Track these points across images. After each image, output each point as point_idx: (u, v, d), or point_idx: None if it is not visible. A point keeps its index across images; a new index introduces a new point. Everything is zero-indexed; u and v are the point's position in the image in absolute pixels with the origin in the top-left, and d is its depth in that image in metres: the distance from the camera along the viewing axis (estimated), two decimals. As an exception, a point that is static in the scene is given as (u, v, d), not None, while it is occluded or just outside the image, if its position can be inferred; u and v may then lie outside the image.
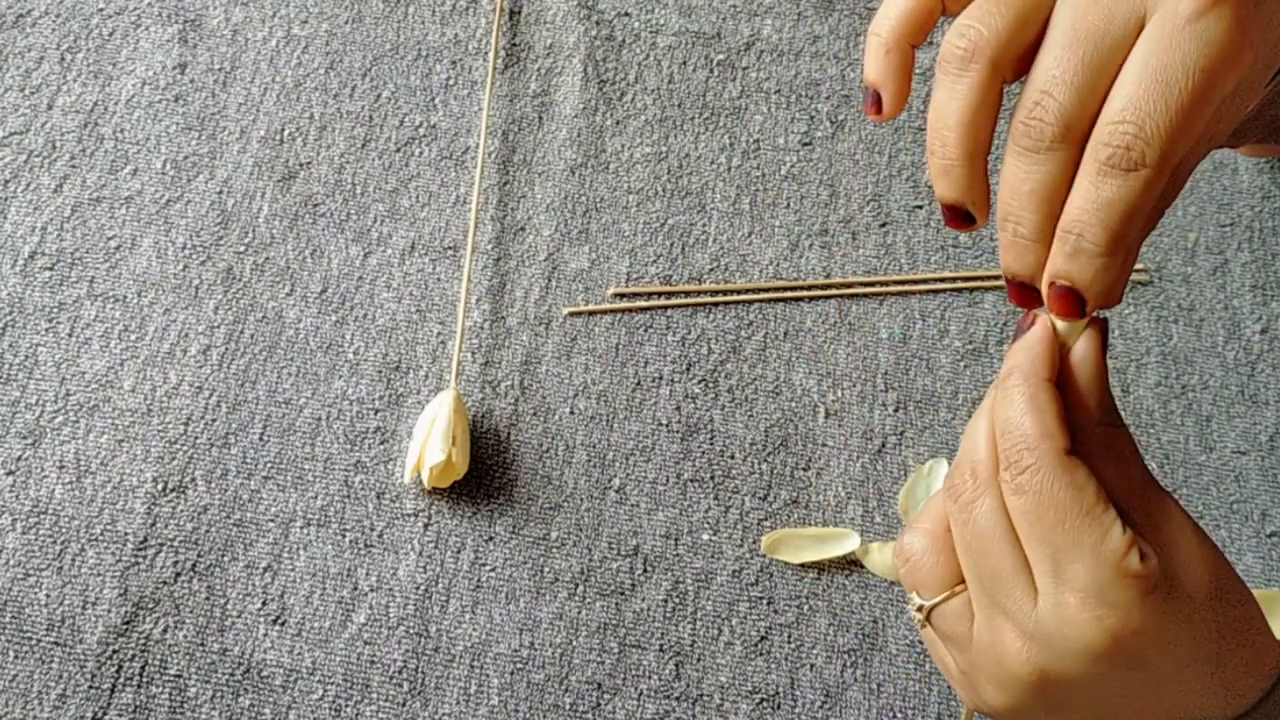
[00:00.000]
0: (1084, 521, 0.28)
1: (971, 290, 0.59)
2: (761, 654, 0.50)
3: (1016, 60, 0.29)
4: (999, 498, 0.30)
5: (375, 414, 0.55)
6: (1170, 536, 0.29)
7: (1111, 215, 0.27)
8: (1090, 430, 0.30)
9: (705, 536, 0.53)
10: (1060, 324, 0.30)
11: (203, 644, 0.50)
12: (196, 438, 0.54)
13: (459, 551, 0.52)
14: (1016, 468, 0.29)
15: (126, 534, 0.52)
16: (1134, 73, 0.27)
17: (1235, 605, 0.30)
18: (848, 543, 0.51)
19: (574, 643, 0.50)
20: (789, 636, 0.51)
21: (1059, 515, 0.28)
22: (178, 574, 0.51)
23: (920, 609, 0.33)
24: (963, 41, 0.29)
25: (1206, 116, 0.27)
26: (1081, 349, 0.30)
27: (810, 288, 0.59)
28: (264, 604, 0.51)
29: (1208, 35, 0.26)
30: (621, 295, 0.58)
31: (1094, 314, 0.29)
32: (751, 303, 0.58)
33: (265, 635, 0.50)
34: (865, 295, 0.59)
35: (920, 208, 0.61)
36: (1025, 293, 0.30)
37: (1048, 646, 0.29)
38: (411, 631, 0.51)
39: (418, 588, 0.51)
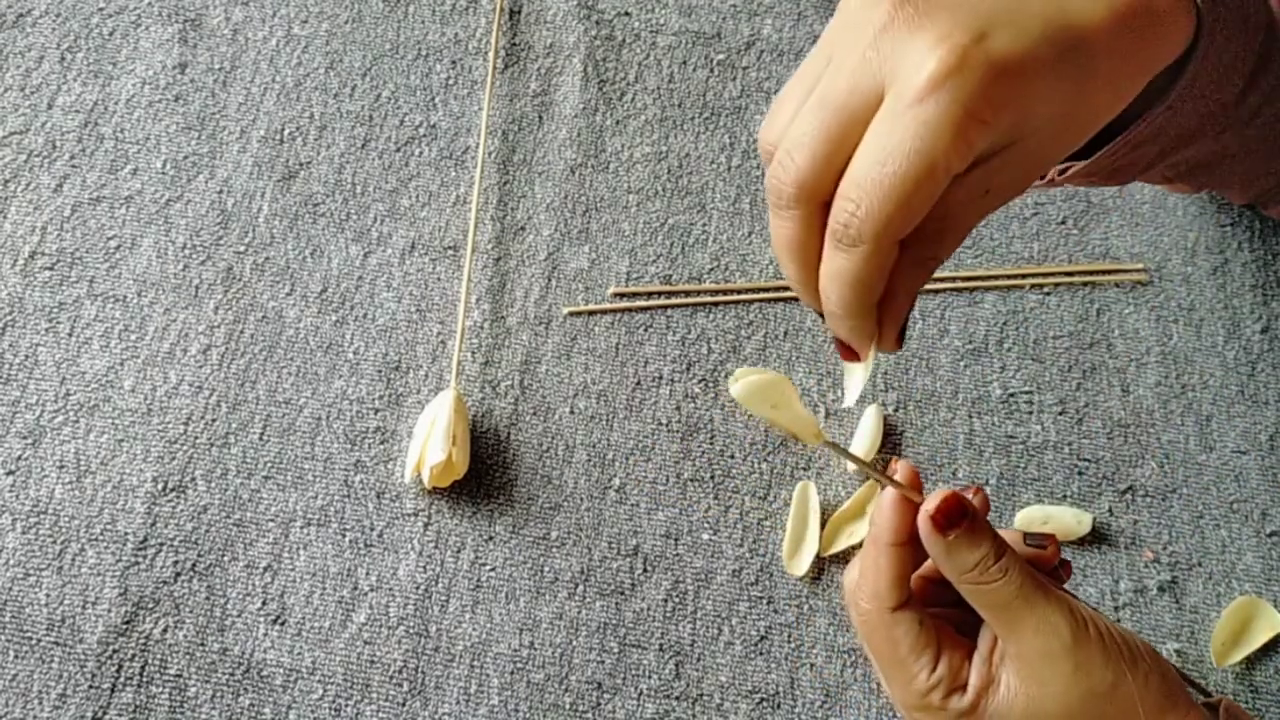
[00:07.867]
0: (895, 666, 0.35)
1: (971, 290, 0.59)
2: (761, 654, 0.50)
3: (837, 177, 0.29)
4: None
5: (375, 414, 0.55)
6: (1004, 661, 0.34)
7: (842, 284, 0.30)
8: (957, 581, 0.34)
9: (705, 536, 0.53)
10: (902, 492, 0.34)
11: (203, 644, 0.50)
12: (196, 438, 0.54)
13: (459, 551, 0.52)
14: (858, 609, 0.35)
15: (126, 534, 0.52)
16: (862, 150, 0.28)
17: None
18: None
19: (574, 643, 0.50)
20: (789, 636, 0.51)
21: (879, 654, 0.35)
22: (178, 574, 0.51)
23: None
24: (785, 175, 0.30)
25: (927, 195, 0.28)
26: (923, 532, 0.34)
27: (810, 287, 0.59)
28: (264, 604, 0.51)
29: (927, 119, 0.27)
30: (621, 295, 0.58)
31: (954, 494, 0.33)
32: (751, 303, 0.58)
33: (265, 635, 0.50)
34: (865, 295, 0.59)
35: (920, 208, 0.61)
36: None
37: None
38: (411, 631, 0.50)
39: (418, 587, 0.51)
